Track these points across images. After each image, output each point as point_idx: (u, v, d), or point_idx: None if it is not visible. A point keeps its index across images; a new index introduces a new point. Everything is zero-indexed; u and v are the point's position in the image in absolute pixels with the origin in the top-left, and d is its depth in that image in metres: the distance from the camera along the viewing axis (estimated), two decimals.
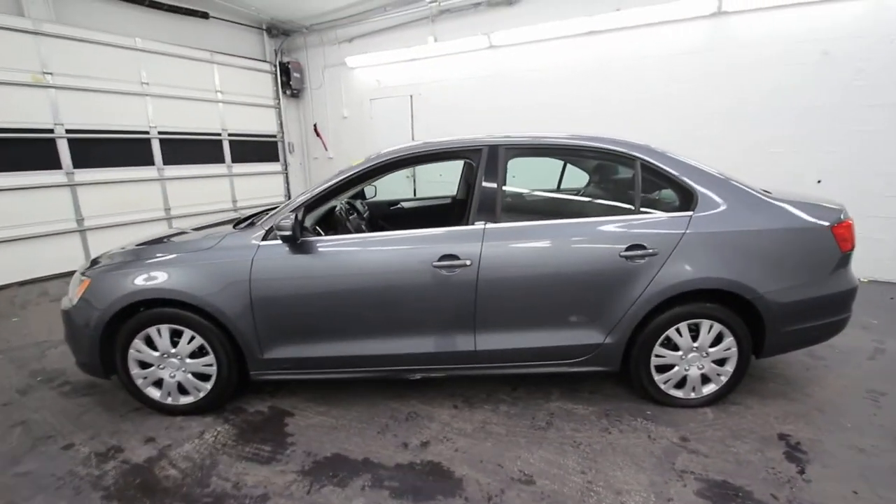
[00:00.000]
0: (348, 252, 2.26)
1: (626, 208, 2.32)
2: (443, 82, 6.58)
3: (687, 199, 2.27)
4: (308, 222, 2.42)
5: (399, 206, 3.79)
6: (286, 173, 8.21)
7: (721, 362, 2.34)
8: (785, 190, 2.50)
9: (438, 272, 2.17)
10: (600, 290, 2.21)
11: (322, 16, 6.96)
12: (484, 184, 2.29)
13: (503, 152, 2.33)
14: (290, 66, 7.66)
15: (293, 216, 2.11)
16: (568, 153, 2.65)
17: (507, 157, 2.33)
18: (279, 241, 2.22)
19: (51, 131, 5.19)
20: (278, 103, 7.85)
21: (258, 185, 7.72)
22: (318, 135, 8.15)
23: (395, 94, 7.09)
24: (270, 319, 2.24)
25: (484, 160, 2.31)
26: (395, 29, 6.67)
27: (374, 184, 3.76)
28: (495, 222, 2.23)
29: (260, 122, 7.66)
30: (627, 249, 2.17)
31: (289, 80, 7.69)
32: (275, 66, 7.68)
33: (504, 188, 2.31)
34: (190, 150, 6.62)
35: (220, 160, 7.07)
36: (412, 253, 2.22)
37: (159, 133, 6.22)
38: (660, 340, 2.28)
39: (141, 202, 6.15)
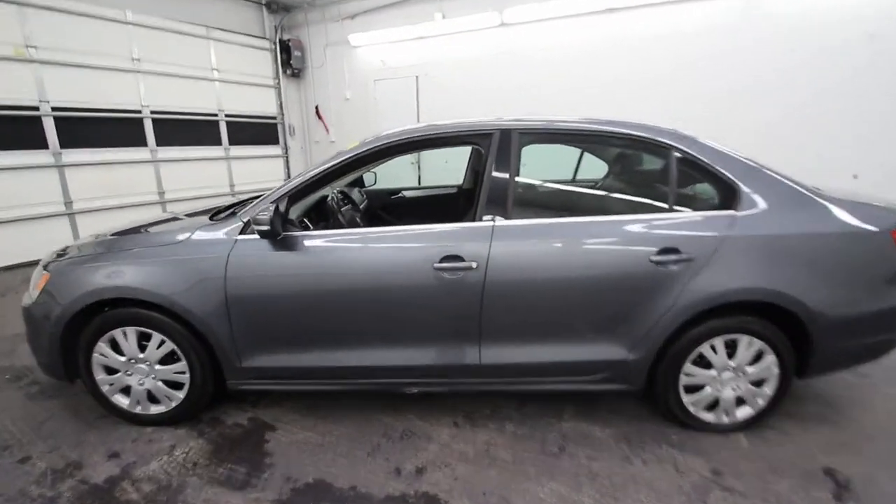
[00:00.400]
0: (338, 249, 1.98)
1: (656, 205, 2.02)
2: (451, 62, 6.21)
3: (729, 196, 1.96)
4: (294, 213, 2.15)
5: (400, 195, 3.49)
6: (286, 157, 7.91)
7: (759, 383, 2.06)
8: (836, 187, 2.18)
9: (440, 275, 1.89)
10: (625, 299, 1.93)
11: None
12: (494, 174, 1.99)
13: (517, 138, 2.02)
14: (290, 43, 7.30)
15: (273, 208, 1.83)
16: (591, 140, 2.32)
17: (520, 143, 2.03)
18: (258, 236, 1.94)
19: (36, 109, 4.92)
20: (278, 83, 7.50)
21: (257, 169, 7.43)
22: (319, 117, 7.82)
23: (400, 75, 6.73)
24: (249, 324, 1.98)
25: (494, 147, 2.01)
26: (401, 5, 6.28)
27: (374, 171, 3.49)
28: (506, 219, 1.94)
29: (259, 103, 7.33)
30: (659, 253, 1.88)
31: (289, 59, 7.33)
32: (275, 43, 7.33)
33: (517, 179, 2.01)
34: (185, 131, 6.33)
35: (217, 142, 6.78)
36: (410, 252, 1.94)
37: (152, 112, 5.92)
38: (691, 357, 2.00)
39: (133, 185, 5.89)
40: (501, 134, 2.02)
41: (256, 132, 7.35)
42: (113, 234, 2.30)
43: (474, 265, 1.87)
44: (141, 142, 5.89)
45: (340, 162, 2.03)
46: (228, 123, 6.85)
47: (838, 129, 4.19)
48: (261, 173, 7.46)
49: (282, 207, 1.90)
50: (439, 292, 1.91)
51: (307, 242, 1.97)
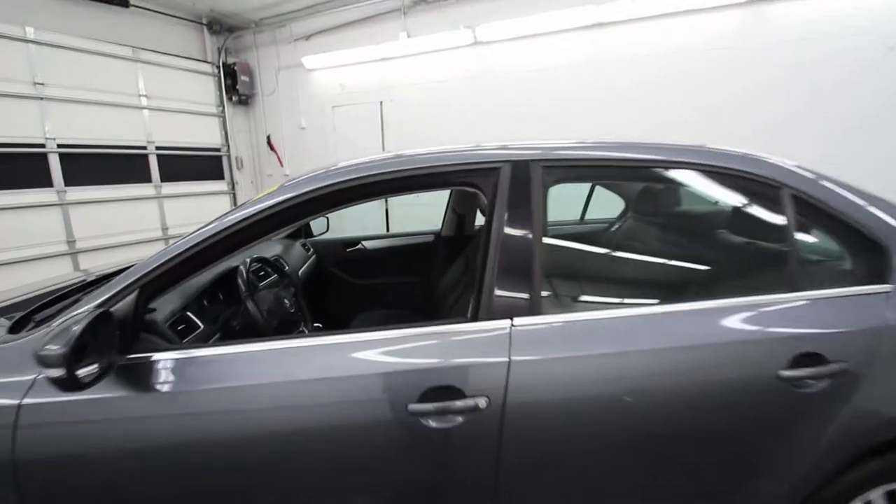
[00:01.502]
0: (227, 380, 1.11)
1: (765, 281, 1.28)
2: (419, 86, 5.55)
3: (875, 262, 1.24)
4: (171, 305, 1.28)
5: (359, 247, 2.66)
6: (234, 193, 6.94)
7: None
8: None
9: (421, 423, 1.05)
10: (737, 443, 1.14)
11: (273, 7, 5.84)
12: (506, 232, 1.19)
13: (538, 174, 1.23)
14: (236, 67, 6.46)
15: (91, 320, 0.94)
16: (655, 178, 1.49)
17: (546, 181, 1.24)
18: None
19: None
20: (222, 111, 6.61)
21: (198, 208, 6.40)
22: (272, 148, 6.95)
23: (362, 101, 6.00)
24: None
25: (504, 190, 1.21)
26: (361, 24, 5.61)
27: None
28: (531, 313, 1.13)
29: (199, 134, 6.39)
30: (792, 366, 1.11)
31: (235, 85, 6.48)
32: (218, 67, 6.48)
33: (545, 242, 1.21)
34: (103, 167, 5.29)
35: (146, 179, 5.76)
36: (364, 385, 1.09)
37: (59, 146, 4.90)
38: None
39: (33, 233, 4.76)
40: (514, 168, 1.23)
41: (196, 166, 6.37)
42: None
43: (482, 403, 1.05)
44: (45, 181, 4.83)
45: (230, 227, 1.18)
46: (160, 157, 5.86)
47: (860, 154, 3.71)
48: (203, 213, 6.41)
49: (120, 312, 1.03)
50: (420, 454, 1.07)
51: (175, 368, 1.09)
